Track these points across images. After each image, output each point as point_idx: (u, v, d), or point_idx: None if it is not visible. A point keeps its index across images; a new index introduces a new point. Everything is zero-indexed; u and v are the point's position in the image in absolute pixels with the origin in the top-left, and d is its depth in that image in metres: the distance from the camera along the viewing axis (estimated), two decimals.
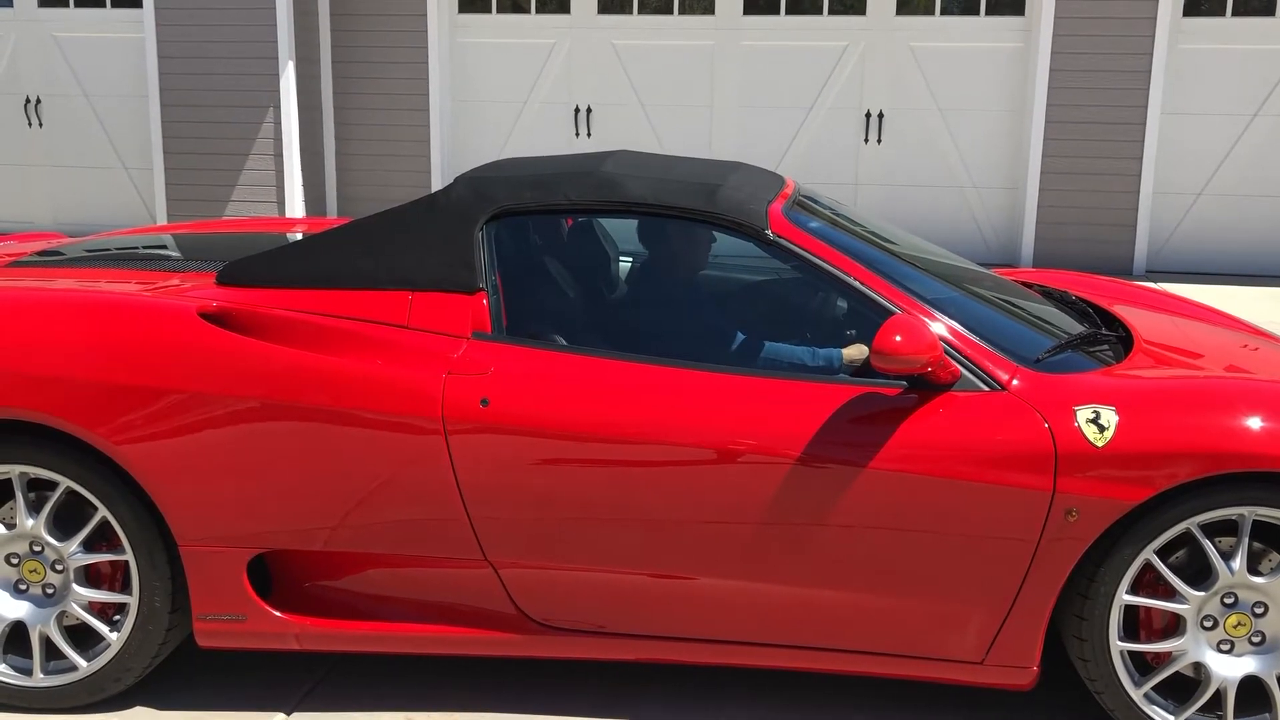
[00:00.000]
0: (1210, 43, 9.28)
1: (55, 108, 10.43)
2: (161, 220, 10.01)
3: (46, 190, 10.62)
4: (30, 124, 10.48)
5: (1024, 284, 3.96)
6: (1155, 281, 8.69)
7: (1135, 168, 9.40)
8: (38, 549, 3.03)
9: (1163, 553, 2.80)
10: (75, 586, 3.03)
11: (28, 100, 10.43)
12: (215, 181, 9.79)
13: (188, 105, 9.72)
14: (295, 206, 9.77)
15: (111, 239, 4.29)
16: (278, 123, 9.59)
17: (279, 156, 9.65)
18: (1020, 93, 9.57)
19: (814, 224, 3.19)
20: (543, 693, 3.16)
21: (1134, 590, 2.82)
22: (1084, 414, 2.77)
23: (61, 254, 3.93)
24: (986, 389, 2.85)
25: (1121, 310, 3.69)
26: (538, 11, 10.06)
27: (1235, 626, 2.83)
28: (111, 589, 3.05)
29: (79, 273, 3.61)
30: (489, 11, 10.10)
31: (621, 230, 3.75)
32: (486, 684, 3.21)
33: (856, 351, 3.12)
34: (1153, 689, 2.87)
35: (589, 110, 10.11)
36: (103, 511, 2.96)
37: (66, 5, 10.20)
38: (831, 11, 9.72)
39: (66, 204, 10.57)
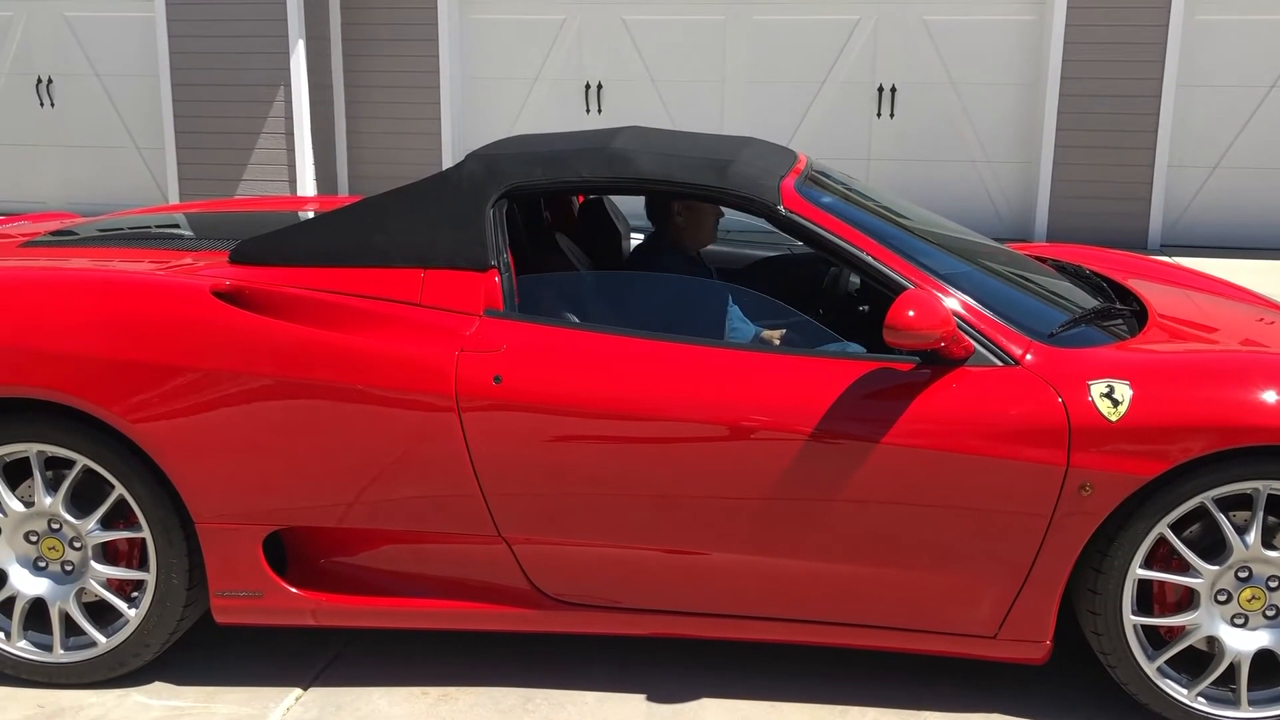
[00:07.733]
0: (1227, 13, 9.18)
1: (67, 87, 10.45)
2: (173, 199, 10.03)
3: (59, 170, 10.64)
4: (42, 104, 10.50)
5: (1038, 259, 3.94)
6: (1170, 255, 8.64)
7: (1150, 141, 9.33)
8: (56, 526, 3.06)
9: (1177, 527, 2.79)
10: (94, 564, 3.05)
11: (39, 80, 10.45)
12: (227, 160, 9.80)
13: (199, 84, 9.72)
14: (307, 185, 9.78)
15: (124, 218, 4.30)
16: (288, 101, 9.59)
17: (290, 135, 9.65)
18: (1034, 66, 9.50)
19: (826, 199, 3.18)
20: (556, 667, 3.18)
21: (1148, 564, 2.82)
22: (1098, 388, 2.77)
23: (75, 233, 3.94)
24: (1000, 364, 2.84)
25: (1136, 284, 3.67)
26: None
27: (1249, 600, 2.83)
28: (129, 566, 3.07)
29: (93, 252, 3.63)
30: None
31: (632, 206, 3.75)
32: (500, 659, 3.23)
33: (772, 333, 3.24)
34: (1166, 663, 2.87)
35: (600, 86, 10.08)
36: (119, 489, 2.98)
37: None
38: None
39: (79, 184, 10.60)
